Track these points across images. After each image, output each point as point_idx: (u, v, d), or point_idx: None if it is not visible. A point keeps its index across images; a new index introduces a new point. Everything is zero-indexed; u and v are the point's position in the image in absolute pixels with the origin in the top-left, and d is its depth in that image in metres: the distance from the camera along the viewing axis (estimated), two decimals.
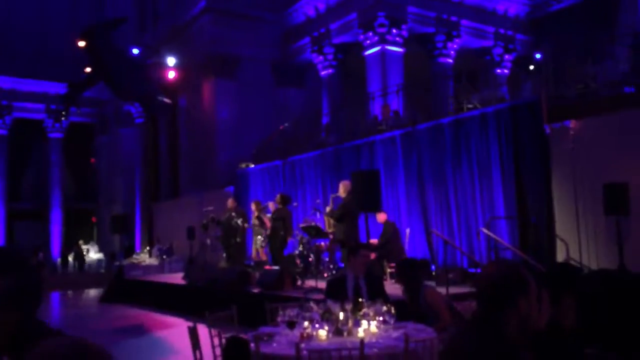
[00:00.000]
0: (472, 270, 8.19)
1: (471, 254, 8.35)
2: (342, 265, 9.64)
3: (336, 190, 9.61)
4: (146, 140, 21.52)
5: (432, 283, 6.74)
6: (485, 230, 7.65)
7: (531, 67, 12.76)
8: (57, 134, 22.99)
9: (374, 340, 3.79)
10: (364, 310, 4.19)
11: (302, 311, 4.18)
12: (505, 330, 1.76)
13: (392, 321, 4.09)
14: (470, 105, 9.22)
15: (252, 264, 11.50)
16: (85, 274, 20.60)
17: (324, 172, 11.74)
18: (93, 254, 22.83)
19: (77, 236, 23.02)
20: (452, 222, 8.88)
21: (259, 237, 11.01)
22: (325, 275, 9.38)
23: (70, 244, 22.44)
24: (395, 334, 3.93)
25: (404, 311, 5.04)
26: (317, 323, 4.00)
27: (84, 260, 22.13)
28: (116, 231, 15.54)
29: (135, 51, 15.32)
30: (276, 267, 9.26)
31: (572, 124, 7.53)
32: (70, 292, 16.87)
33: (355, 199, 7.21)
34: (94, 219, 24.97)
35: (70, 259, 21.88)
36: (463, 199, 8.71)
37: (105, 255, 22.37)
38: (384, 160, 10.06)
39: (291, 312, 4.24)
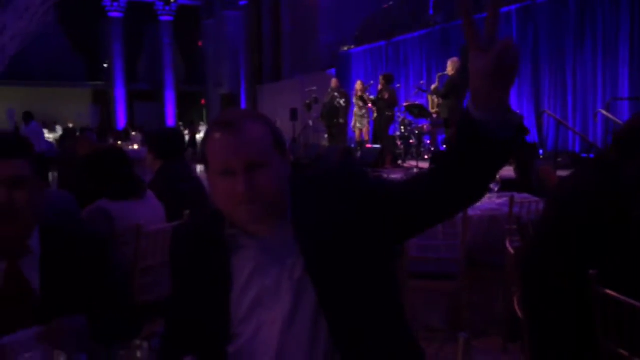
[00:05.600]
0: (584, 155, 7.80)
1: (585, 137, 7.90)
2: (444, 148, 9.56)
3: (442, 70, 9.30)
4: (250, 23, 21.67)
5: None
6: (604, 112, 7.14)
7: None
8: (167, 17, 23.69)
9: (476, 204, 3.83)
10: None
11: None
12: (626, 175, 1.74)
13: (495, 188, 4.09)
14: None
15: (353, 145, 11.73)
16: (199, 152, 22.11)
17: (430, 52, 11.31)
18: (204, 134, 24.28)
19: (188, 117, 24.43)
20: (567, 103, 8.36)
21: (362, 117, 11.07)
22: (426, 157, 9.38)
23: (184, 125, 23.95)
24: (498, 201, 3.95)
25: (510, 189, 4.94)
26: None
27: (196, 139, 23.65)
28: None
29: None
30: (377, 146, 9.39)
31: None
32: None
33: (464, 74, 6.95)
34: (203, 101, 26.22)
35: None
36: (582, 78, 8.10)
37: None
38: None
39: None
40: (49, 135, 15.67)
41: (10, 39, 4.54)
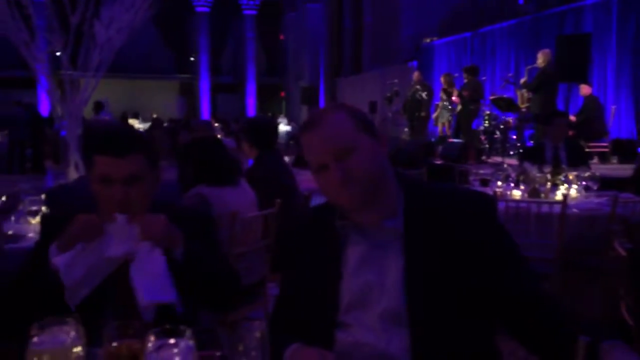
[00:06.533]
0: None
1: None
2: (531, 144, 9.15)
3: (531, 63, 8.89)
4: (331, 16, 21.74)
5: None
6: None
7: None
8: (251, 11, 24.24)
9: (573, 203, 3.62)
10: (564, 174, 3.99)
11: (496, 171, 4.14)
12: None
13: (595, 187, 3.85)
14: None
15: (433, 140, 11.49)
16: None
17: (518, 44, 10.85)
18: (283, 126, 24.71)
19: (268, 109, 24.93)
20: None
21: (445, 111, 10.82)
22: (512, 153, 9.03)
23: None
24: (597, 200, 3.71)
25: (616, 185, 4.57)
26: (512, 182, 3.94)
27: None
28: (305, 102, 16.44)
29: None
30: (459, 140, 9.14)
31: None
32: None
33: (558, 67, 6.58)
34: (282, 93, 26.65)
35: None
36: None
37: (292, 128, 24.11)
38: (593, 29, 8.90)
39: (484, 171, 4.24)
40: (139, 126, 16.58)
41: (116, 32, 4.80)
